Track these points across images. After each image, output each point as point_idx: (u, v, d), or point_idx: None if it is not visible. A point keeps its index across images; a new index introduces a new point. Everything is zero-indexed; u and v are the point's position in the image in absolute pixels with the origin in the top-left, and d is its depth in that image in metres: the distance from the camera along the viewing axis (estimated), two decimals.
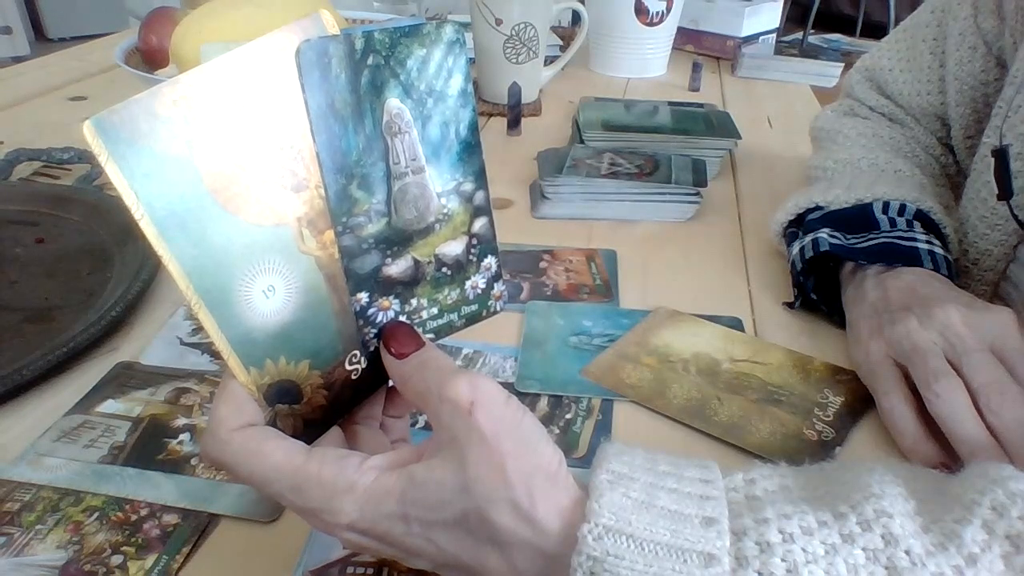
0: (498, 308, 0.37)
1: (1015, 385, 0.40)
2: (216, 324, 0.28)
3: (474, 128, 0.33)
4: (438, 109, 0.32)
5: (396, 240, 0.32)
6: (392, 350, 0.32)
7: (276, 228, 0.29)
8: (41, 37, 3.88)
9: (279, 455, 0.29)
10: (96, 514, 0.39)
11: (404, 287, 0.33)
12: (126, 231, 0.61)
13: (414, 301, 0.34)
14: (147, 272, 0.56)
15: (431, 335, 0.35)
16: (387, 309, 0.33)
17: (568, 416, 0.46)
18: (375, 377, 0.34)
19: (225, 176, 0.27)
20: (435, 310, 0.35)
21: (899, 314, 0.45)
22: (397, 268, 0.33)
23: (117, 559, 0.37)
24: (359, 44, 0.29)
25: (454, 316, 0.35)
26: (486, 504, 0.27)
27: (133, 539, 0.38)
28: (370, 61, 0.30)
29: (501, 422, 0.27)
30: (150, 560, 0.36)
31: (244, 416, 0.30)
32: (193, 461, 0.42)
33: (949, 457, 0.41)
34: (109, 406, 0.46)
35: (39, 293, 0.57)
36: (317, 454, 0.29)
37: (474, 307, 0.36)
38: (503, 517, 0.27)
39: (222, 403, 0.30)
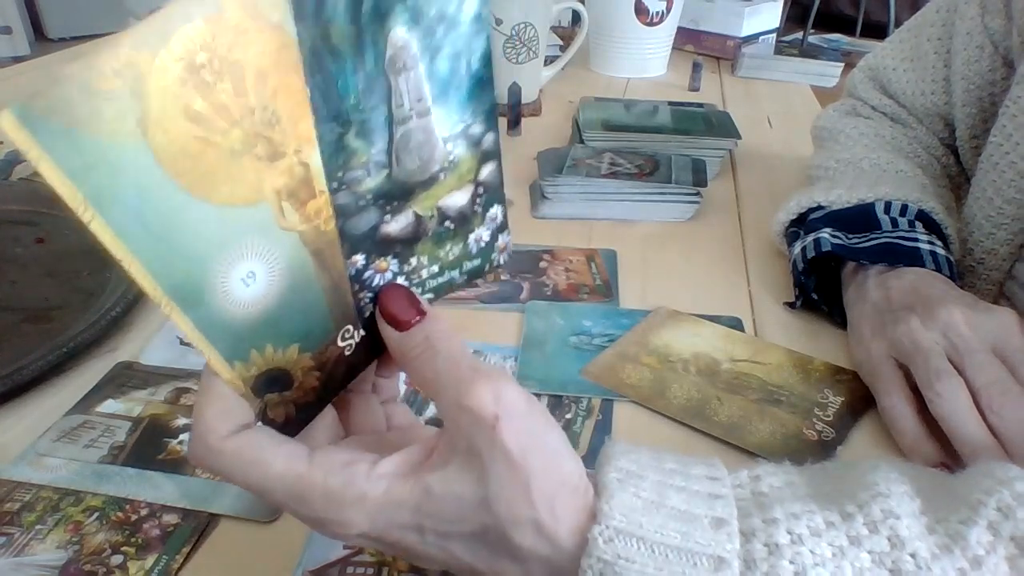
0: (501, 261, 0.34)
1: (1017, 386, 0.40)
2: (192, 324, 0.25)
3: (487, 60, 0.29)
4: (449, 39, 0.28)
5: (396, 194, 0.29)
6: (388, 317, 0.30)
7: (252, 207, 0.25)
8: (41, 37, 3.88)
9: (279, 464, 0.27)
10: (96, 514, 0.39)
11: (403, 245, 0.30)
12: None
13: (414, 260, 0.31)
14: None
15: (430, 295, 0.32)
16: (384, 271, 0.30)
17: (568, 416, 0.46)
18: (371, 347, 0.32)
19: (187, 155, 0.23)
20: (435, 268, 0.32)
21: (901, 314, 0.45)
22: (397, 225, 0.30)
23: (117, 559, 0.37)
24: None
25: (455, 273, 0.33)
26: (508, 524, 0.26)
27: (133, 539, 0.38)
28: None
29: (526, 437, 0.26)
30: (150, 560, 0.36)
31: (233, 419, 0.27)
32: None
33: (950, 457, 0.41)
34: (109, 406, 0.46)
35: (39, 293, 0.57)
36: (321, 461, 0.27)
37: (477, 262, 0.33)
38: (525, 537, 0.26)
39: (208, 407, 0.27)
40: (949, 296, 0.46)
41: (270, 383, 0.28)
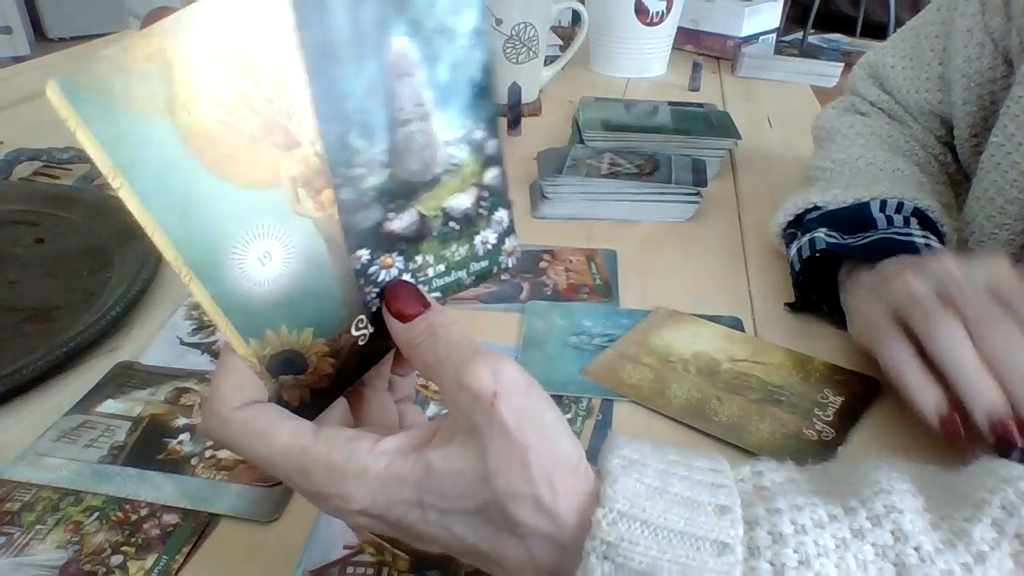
0: (510, 264, 0.35)
1: (1008, 319, 0.40)
2: (210, 296, 0.27)
3: (487, 71, 0.31)
4: (448, 49, 0.29)
5: (399, 193, 0.30)
6: (394, 311, 0.30)
7: (269, 190, 0.27)
8: (41, 37, 3.88)
9: (284, 437, 0.28)
10: (96, 514, 0.39)
11: (408, 243, 0.31)
12: (126, 231, 0.61)
13: (419, 258, 0.32)
14: (147, 272, 0.56)
15: (437, 294, 0.33)
16: (390, 267, 0.31)
17: (568, 416, 0.46)
18: (384, 341, 0.32)
19: (210, 137, 0.25)
20: (442, 267, 0.33)
21: (894, 275, 0.45)
22: (400, 223, 0.31)
23: (117, 559, 0.37)
24: None
25: (462, 274, 0.34)
26: (508, 499, 0.26)
27: (133, 539, 0.38)
28: None
29: (524, 414, 0.26)
30: (150, 560, 0.36)
31: (246, 392, 0.28)
32: (193, 461, 0.42)
33: (954, 406, 0.39)
34: (109, 406, 0.46)
35: (39, 293, 0.57)
36: (325, 436, 0.28)
37: (484, 264, 0.34)
38: (525, 512, 0.26)
39: (223, 379, 0.28)
40: (940, 257, 0.45)
41: (284, 365, 0.29)
